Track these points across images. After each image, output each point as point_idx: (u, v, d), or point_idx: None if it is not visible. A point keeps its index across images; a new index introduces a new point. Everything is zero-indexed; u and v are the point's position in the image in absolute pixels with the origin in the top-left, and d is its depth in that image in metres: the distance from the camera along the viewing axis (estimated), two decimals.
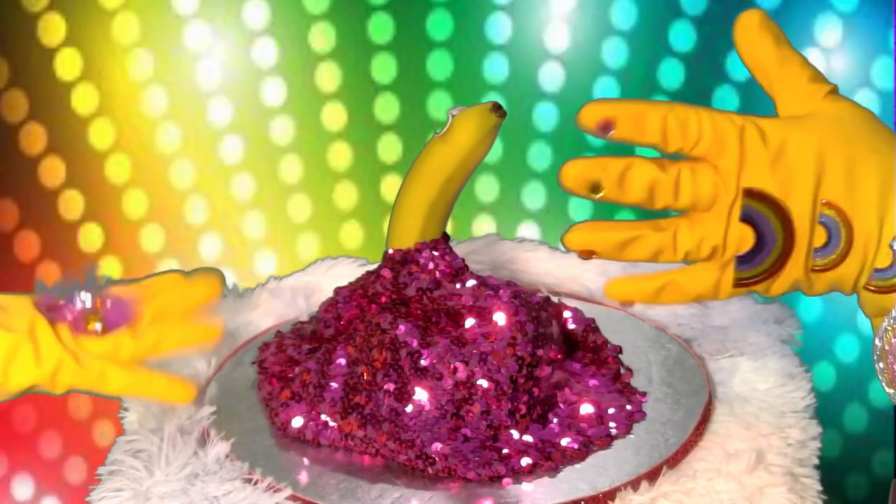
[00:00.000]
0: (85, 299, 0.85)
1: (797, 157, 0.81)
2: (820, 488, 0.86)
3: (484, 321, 0.90)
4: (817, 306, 1.45)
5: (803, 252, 0.82)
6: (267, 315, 1.06)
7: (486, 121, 0.94)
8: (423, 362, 0.88)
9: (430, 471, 0.86)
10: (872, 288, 0.82)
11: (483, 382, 0.88)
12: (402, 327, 0.89)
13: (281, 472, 0.87)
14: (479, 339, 0.89)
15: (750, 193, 0.81)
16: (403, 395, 0.88)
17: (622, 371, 0.95)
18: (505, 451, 0.87)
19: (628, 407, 0.92)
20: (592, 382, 0.93)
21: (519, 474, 0.86)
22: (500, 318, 0.90)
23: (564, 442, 0.88)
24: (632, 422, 0.91)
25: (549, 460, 0.87)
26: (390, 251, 0.96)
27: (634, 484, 0.84)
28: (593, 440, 0.89)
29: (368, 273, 0.97)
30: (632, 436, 0.89)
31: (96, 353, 0.85)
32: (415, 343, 0.89)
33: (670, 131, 0.82)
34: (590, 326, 0.98)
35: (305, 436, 0.91)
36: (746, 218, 0.82)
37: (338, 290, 0.98)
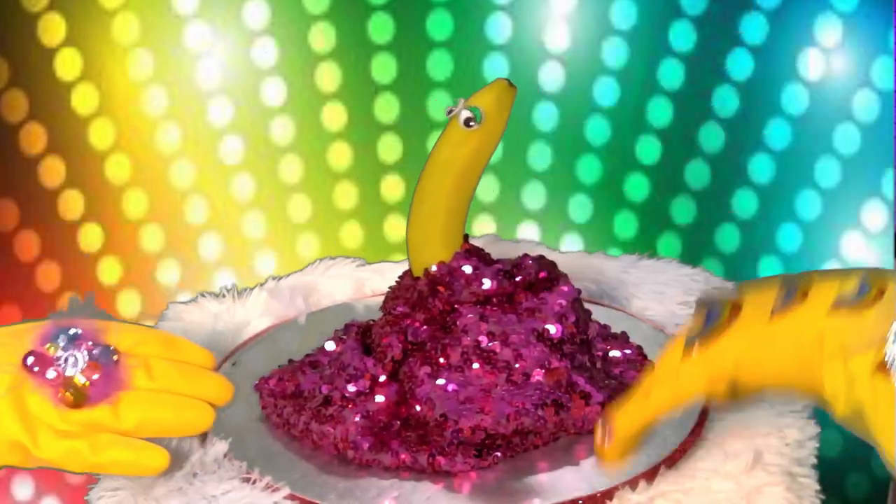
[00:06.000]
0: (79, 360, 0.79)
1: None
2: (818, 488, 0.86)
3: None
4: None
5: None
6: (265, 315, 1.06)
7: (511, 98, 0.91)
8: None
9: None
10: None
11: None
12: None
13: (279, 471, 0.87)
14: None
15: None
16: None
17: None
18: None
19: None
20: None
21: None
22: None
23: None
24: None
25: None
26: (434, 268, 0.94)
27: (633, 483, 0.83)
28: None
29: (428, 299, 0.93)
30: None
31: (70, 424, 0.78)
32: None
33: None
34: None
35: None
36: None
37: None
